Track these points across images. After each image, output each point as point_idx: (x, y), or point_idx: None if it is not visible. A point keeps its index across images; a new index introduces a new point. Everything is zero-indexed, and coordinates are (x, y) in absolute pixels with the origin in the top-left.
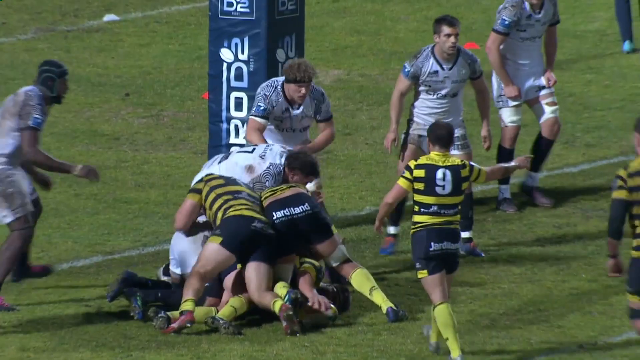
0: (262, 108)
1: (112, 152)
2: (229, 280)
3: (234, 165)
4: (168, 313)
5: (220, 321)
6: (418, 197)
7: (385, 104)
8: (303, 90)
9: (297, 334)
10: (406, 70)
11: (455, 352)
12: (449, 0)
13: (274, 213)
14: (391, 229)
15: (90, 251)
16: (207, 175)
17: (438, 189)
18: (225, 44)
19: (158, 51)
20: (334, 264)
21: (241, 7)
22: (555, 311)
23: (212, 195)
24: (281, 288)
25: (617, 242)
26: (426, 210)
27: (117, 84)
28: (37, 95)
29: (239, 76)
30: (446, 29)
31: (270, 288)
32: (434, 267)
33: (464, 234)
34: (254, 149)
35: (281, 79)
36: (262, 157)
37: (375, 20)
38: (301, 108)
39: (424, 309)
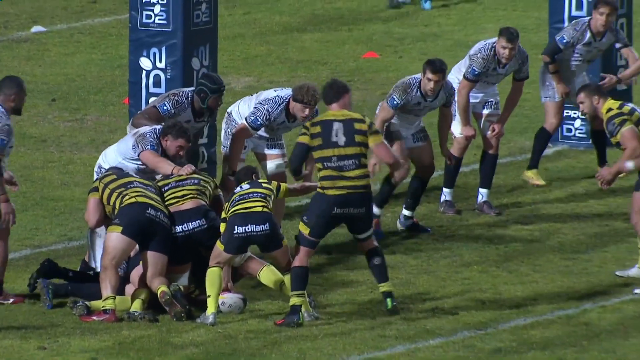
0: (259, 123)
1: (40, 154)
2: (135, 275)
3: (126, 136)
4: (87, 303)
5: (135, 313)
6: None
7: None
8: (307, 112)
9: (182, 315)
10: (395, 102)
11: (210, 310)
12: (351, 13)
13: (173, 227)
14: (376, 211)
15: (19, 245)
16: (101, 175)
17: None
18: (144, 53)
19: (82, 60)
20: (237, 265)
21: (159, 20)
22: (449, 300)
23: (107, 192)
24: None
25: (296, 178)
26: (234, 203)
27: (44, 90)
28: (181, 99)
29: (157, 83)
30: (429, 74)
31: (163, 275)
32: (233, 247)
33: (405, 212)
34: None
35: (285, 95)
36: (150, 126)
37: (283, 31)
38: (296, 121)
39: (328, 297)
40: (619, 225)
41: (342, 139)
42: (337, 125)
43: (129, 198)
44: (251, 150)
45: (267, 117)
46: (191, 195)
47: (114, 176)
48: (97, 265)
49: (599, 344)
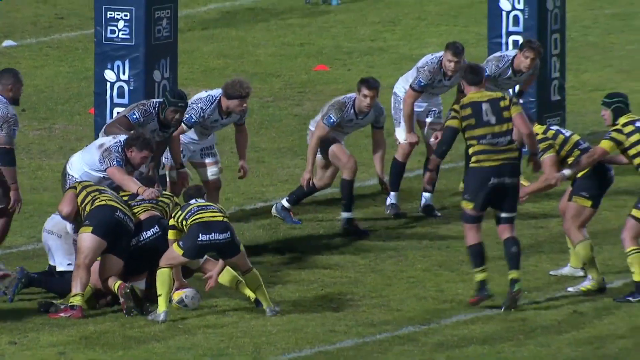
0: (193, 121)
1: None
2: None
3: (91, 146)
4: (54, 302)
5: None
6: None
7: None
8: (245, 105)
9: (133, 311)
10: (332, 120)
11: (161, 308)
12: (303, 29)
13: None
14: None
15: None
16: (80, 180)
17: (192, 201)
18: (109, 66)
19: (50, 72)
20: (195, 267)
21: (122, 34)
22: (395, 297)
23: (83, 193)
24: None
25: (439, 161)
26: (192, 212)
27: None
28: (149, 108)
29: (120, 94)
30: (365, 90)
31: (117, 275)
32: (193, 254)
33: (344, 214)
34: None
35: (216, 94)
36: (114, 138)
37: (239, 45)
38: (230, 117)
39: (282, 294)
40: (553, 227)
41: (492, 118)
42: (485, 106)
43: (100, 201)
44: (188, 161)
45: (201, 114)
46: (146, 209)
47: (92, 182)
48: (56, 263)
49: (534, 339)
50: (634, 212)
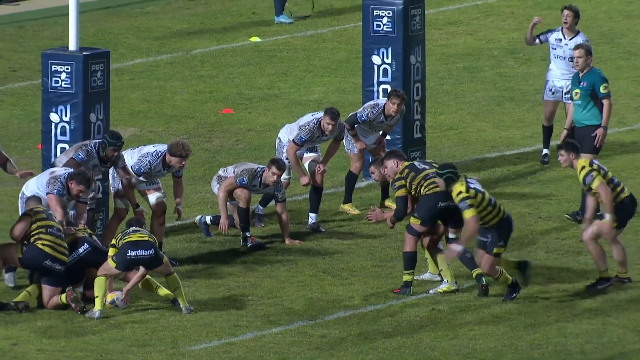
0: (142, 171)
1: None
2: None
3: (45, 172)
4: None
5: (16, 304)
6: None
7: None
8: (184, 162)
9: (85, 309)
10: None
11: (97, 307)
12: (212, 79)
13: (69, 256)
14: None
15: None
16: (36, 209)
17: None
18: (54, 110)
19: (5, 115)
20: (120, 277)
21: (64, 84)
22: (287, 297)
23: (34, 226)
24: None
25: (397, 221)
26: (126, 234)
27: None
28: (90, 149)
29: (63, 132)
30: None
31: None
32: (123, 266)
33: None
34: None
35: (162, 150)
36: (65, 170)
37: (160, 92)
38: (170, 169)
39: (195, 296)
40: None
41: (426, 167)
42: (416, 163)
43: (42, 242)
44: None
45: (149, 167)
46: (72, 234)
47: (44, 215)
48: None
49: (401, 332)
50: (496, 250)
